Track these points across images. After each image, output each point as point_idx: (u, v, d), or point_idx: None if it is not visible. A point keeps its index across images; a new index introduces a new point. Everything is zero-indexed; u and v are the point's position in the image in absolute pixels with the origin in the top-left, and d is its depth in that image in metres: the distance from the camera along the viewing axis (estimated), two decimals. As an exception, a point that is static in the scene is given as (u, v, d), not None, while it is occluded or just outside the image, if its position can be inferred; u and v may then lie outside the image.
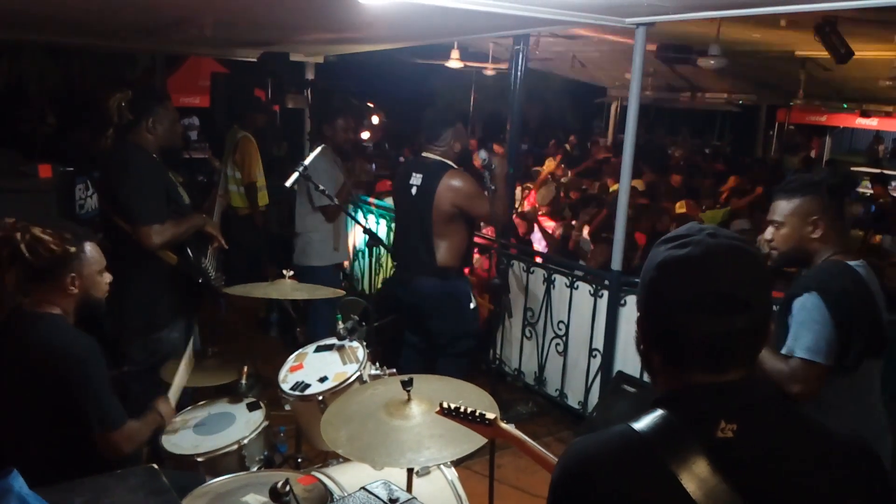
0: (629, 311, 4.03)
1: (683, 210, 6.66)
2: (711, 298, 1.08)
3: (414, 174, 3.84)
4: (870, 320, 2.10)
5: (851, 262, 2.16)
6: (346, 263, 5.86)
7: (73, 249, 2.21)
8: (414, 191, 3.81)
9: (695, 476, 1.03)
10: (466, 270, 4.28)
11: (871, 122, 12.11)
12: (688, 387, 1.12)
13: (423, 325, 3.96)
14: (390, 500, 1.63)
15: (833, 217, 2.19)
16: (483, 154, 3.73)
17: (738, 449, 1.05)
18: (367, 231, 4.11)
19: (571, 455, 1.14)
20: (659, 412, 1.11)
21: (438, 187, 3.71)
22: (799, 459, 1.07)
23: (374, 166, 8.81)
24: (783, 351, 2.13)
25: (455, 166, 3.82)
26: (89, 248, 2.29)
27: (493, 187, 3.65)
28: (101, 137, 3.25)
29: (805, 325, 2.08)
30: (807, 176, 2.26)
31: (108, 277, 2.39)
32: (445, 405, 1.84)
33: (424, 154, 3.90)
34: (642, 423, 1.11)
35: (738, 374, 1.11)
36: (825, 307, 2.05)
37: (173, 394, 2.63)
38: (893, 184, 11.51)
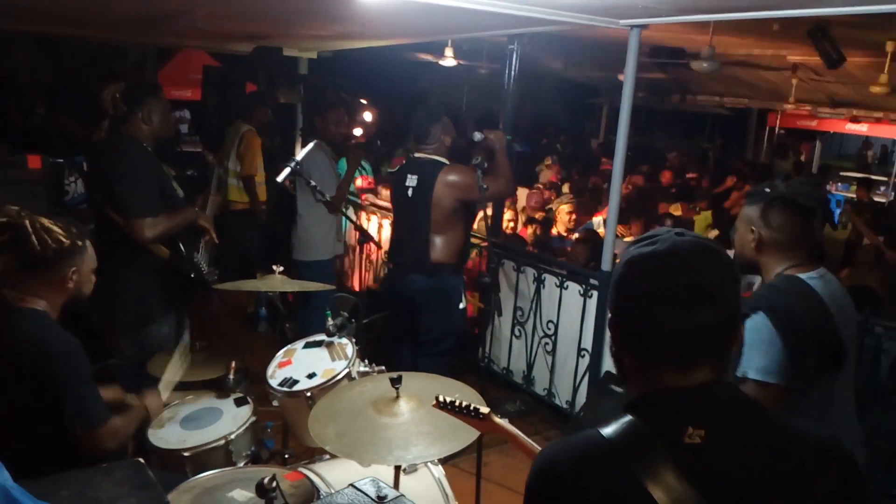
0: (618, 312, 4.04)
1: (679, 213, 6.70)
2: (676, 291, 1.10)
3: (409, 176, 3.85)
4: (821, 335, 2.02)
5: (805, 275, 2.08)
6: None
7: (80, 243, 2.22)
8: (410, 192, 3.81)
9: (662, 483, 1.03)
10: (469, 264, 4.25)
11: (861, 128, 12.20)
12: (656, 391, 1.12)
13: (412, 321, 3.96)
14: (378, 497, 1.63)
15: (777, 229, 2.10)
16: (478, 135, 3.73)
17: (706, 455, 1.05)
18: (358, 228, 4.11)
19: (541, 461, 1.15)
20: (627, 418, 1.11)
21: (436, 185, 3.72)
22: (769, 466, 1.06)
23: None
24: (738, 374, 2.05)
25: (448, 162, 3.83)
26: (89, 245, 2.30)
27: (485, 187, 3.66)
28: (95, 129, 3.23)
29: (755, 347, 2.01)
30: (768, 184, 2.19)
31: (93, 277, 2.38)
32: (441, 398, 1.85)
33: (416, 154, 3.90)
34: (610, 429, 1.11)
35: (707, 375, 1.11)
36: (772, 326, 1.98)
37: (164, 387, 2.62)
38: (882, 188, 11.61)
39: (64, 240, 2.17)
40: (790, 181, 2.19)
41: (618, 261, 1.22)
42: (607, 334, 4.04)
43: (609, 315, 1.21)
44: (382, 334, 4.22)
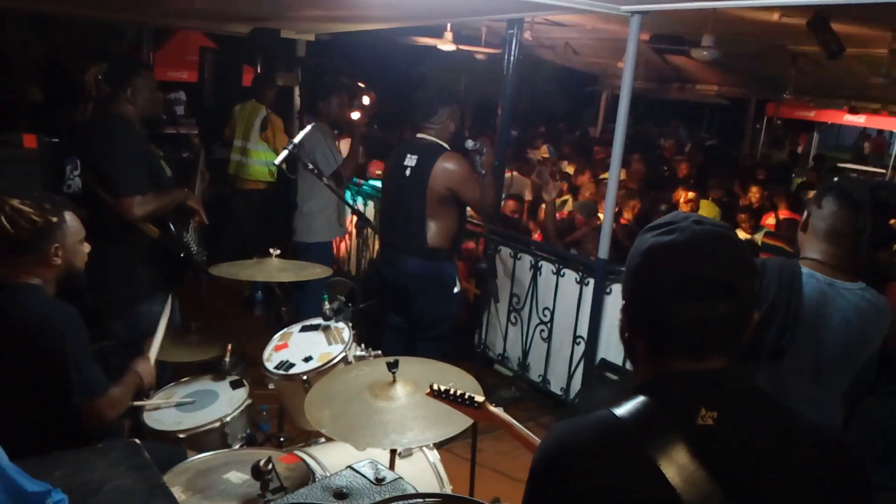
0: (614, 300, 4.05)
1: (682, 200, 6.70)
2: (697, 283, 1.09)
3: (409, 155, 3.82)
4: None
5: (809, 270, 2.04)
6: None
7: (54, 219, 2.19)
8: (408, 172, 3.79)
9: (674, 462, 1.04)
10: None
11: (859, 119, 12.20)
12: (670, 374, 1.13)
13: (406, 306, 3.96)
14: (377, 479, 1.63)
15: (821, 216, 2.09)
16: (470, 143, 3.72)
17: (718, 437, 1.06)
18: (356, 212, 4.09)
19: (552, 440, 1.15)
20: (640, 398, 1.12)
21: (433, 169, 3.69)
22: (778, 450, 1.08)
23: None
24: None
25: (449, 148, 3.81)
26: (69, 217, 2.27)
27: (483, 171, 3.64)
28: (79, 110, 3.22)
29: None
30: (838, 182, 2.14)
31: (86, 247, 2.37)
32: (436, 387, 1.84)
33: (420, 135, 3.88)
34: (623, 409, 1.11)
35: (720, 362, 1.12)
36: None
37: (153, 352, 2.61)
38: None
39: (36, 218, 2.15)
40: (862, 177, 2.16)
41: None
42: (605, 320, 4.05)
43: (624, 302, 1.20)
44: (379, 319, 4.21)
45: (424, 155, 3.76)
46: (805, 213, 2.18)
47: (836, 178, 2.16)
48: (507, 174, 5.68)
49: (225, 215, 5.76)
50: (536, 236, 5.61)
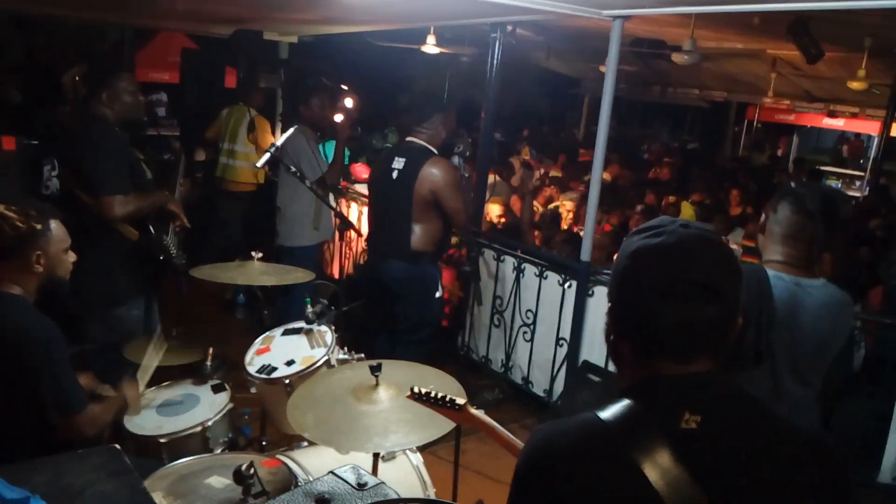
0: (596, 302, 4.07)
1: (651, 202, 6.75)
2: (684, 286, 1.10)
3: (397, 158, 3.83)
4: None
5: (776, 272, 2.08)
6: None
7: (38, 227, 2.18)
8: (395, 174, 3.80)
9: (657, 466, 1.05)
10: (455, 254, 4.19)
11: (838, 123, 12.32)
12: (655, 378, 1.14)
13: (389, 309, 3.96)
14: (359, 484, 1.63)
15: (777, 221, 2.16)
16: (455, 160, 3.74)
17: (701, 441, 1.07)
18: (338, 215, 4.08)
19: (535, 442, 1.16)
20: (625, 402, 1.13)
21: (420, 172, 3.71)
22: (761, 454, 1.09)
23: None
24: None
25: (436, 152, 3.82)
26: (55, 225, 2.26)
27: (466, 175, 3.66)
28: (57, 112, 3.21)
29: None
30: (793, 188, 2.21)
31: (72, 256, 2.35)
32: (416, 390, 1.84)
33: (409, 139, 3.88)
34: (608, 412, 1.12)
35: (705, 366, 1.13)
36: None
37: (141, 377, 2.60)
38: (857, 183, 11.78)
39: (20, 224, 2.13)
40: (815, 183, 2.19)
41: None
42: (588, 322, 4.07)
43: (610, 304, 1.20)
44: (362, 322, 4.20)
45: (412, 158, 3.77)
46: (762, 217, 2.23)
47: (791, 184, 2.22)
48: (490, 177, 5.68)
49: (210, 217, 5.75)
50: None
